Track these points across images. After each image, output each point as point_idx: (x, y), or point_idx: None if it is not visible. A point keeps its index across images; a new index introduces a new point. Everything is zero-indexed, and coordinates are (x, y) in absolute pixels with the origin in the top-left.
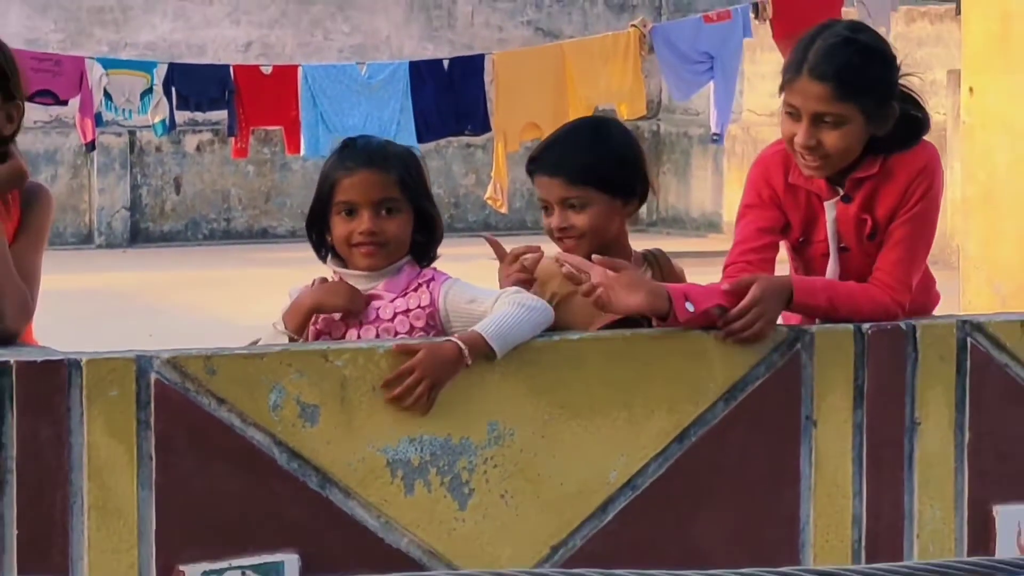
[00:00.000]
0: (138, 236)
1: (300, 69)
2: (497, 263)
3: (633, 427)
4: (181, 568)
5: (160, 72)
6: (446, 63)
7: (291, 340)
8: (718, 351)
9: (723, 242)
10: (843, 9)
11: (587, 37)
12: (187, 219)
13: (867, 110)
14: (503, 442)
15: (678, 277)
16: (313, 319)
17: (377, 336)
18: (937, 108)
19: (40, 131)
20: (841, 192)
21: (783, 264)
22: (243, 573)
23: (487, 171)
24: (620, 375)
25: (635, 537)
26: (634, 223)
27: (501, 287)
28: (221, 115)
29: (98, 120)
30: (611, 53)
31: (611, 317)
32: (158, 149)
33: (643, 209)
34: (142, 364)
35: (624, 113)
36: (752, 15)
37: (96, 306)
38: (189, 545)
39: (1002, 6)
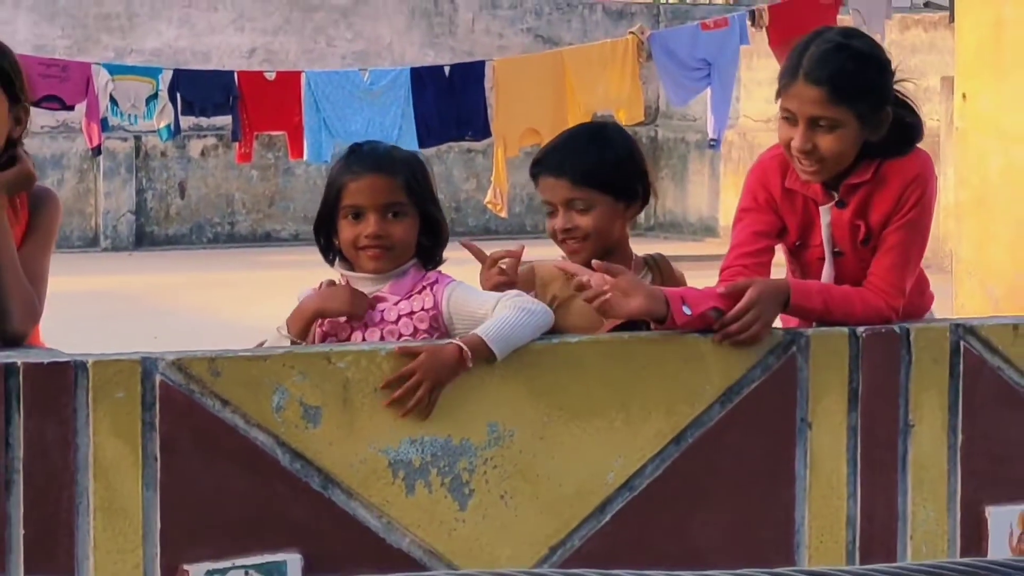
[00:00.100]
0: (143, 239)
1: (303, 75)
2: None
3: (630, 429)
4: (185, 568)
5: (165, 78)
6: (447, 69)
7: (292, 344)
8: (714, 354)
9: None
10: (838, 17)
11: (586, 44)
12: (192, 223)
13: (861, 114)
14: (503, 443)
15: (678, 281)
16: (319, 322)
17: (382, 338)
18: (931, 114)
19: (47, 136)
20: (836, 197)
21: (779, 267)
22: (246, 573)
23: (487, 176)
24: (618, 378)
25: (632, 537)
26: (632, 227)
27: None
28: (225, 120)
29: (104, 125)
30: (610, 60)
31: (613, 321)
32: (163, 154)
33: (641, 214)
34: (147, 366)
35: (622, 119)
36: (749, 23)
37: (102, 308)
38: (193, 545)
39: (995, 14)
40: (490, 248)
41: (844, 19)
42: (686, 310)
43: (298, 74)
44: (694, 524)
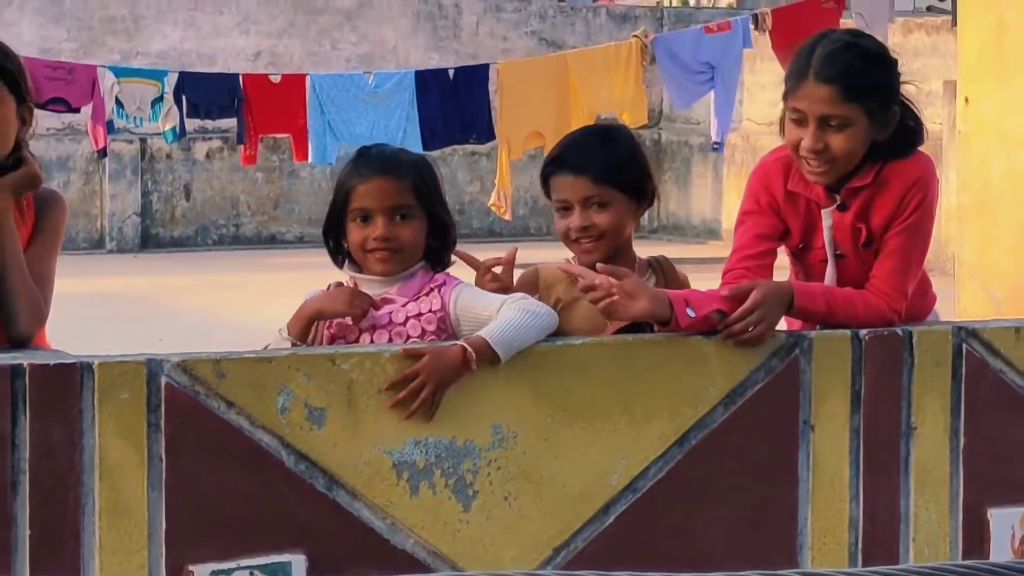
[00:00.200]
0: (149, 241)
1: (308, 78)
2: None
3: (634, 431)
4: (190, 568)
5: (171, 81)
6: (451, 72)
7: (293, 346)
8: (718, 357)
9: (723, 249)
10: (841, 20)
11: (590, 47)
12: (197, 225)
13: (870, 112)
14: (507, 445)
15: (682, 283)
16: (327, 324)
17: (390, 340)
18: (933, 118)
19: (53, 138)
20: (838, 200)
21: (781, 270)
22: (251, 573)
23: (491, 178)
24: (621, 380)
25: (636, 539)
26: (636, 230)
27: None
28: (231, 123)
29: (110, 127)
30: (613, 63)
31: (617, 324)
32: (168, 156)
33: (644, 216)
34: (153, 367)
35: (626, 122)
36: (752, 26)
37: (107, 310)
38: (198, 545)
39: (997, 18)
40: (493, 251)
41: (847, 23)
42: (690, 312)
43: (303, 77)
44: (697, 526)
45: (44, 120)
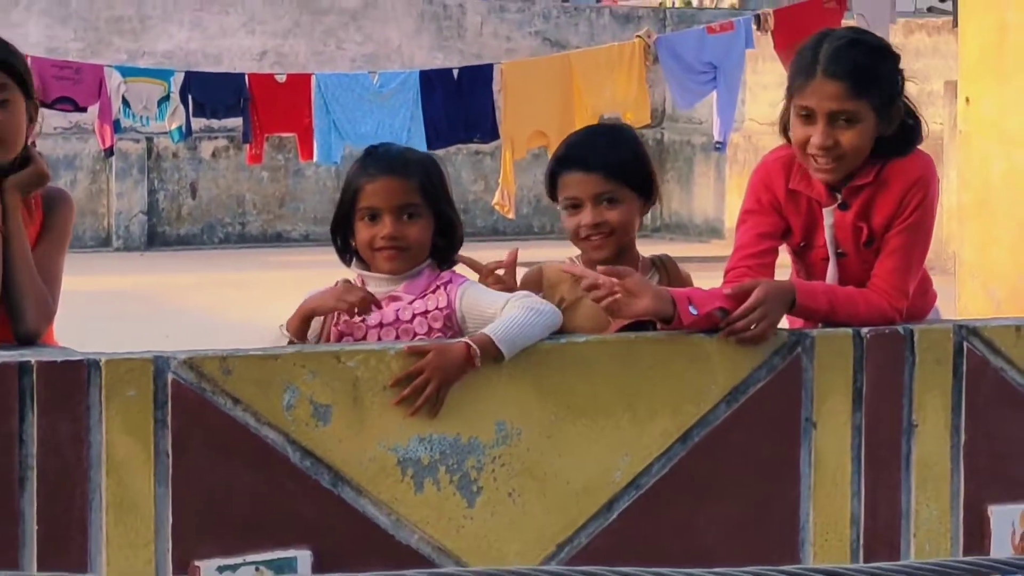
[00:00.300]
0: (155, 240)
1: (313, 78)
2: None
3: (637, 428)
4: (196, 563)
5: (177, 80)
6: (455, 72)
7: (290, 343)
8: (720, 354)
9: (725, 248)
10: (843, 21)
11: (593, 47)
12: (203, 223)
13: (877, 107)
14: (511, 442)
15: (685, 282)
16: (335, 321)
17: (397, 337)
18: (934, 118)
19: (60, 137)
20: (839, 199)
21: (782, 269)
22: (257, 568)
23: (495, 178)
24: (625, 377)
25: (639, 535)
26: (638, 229)
27: None
28: (236, 122)
29: (116, 127)
30: (616, 63)
31: (620, 322)
32: (175, 155)
33: (648, 215)
34: (159, 364)
35: (629, 121)
36: (754, 27)
37: (114, 308)
38: (204, 541)
39: (998, 18)
40: (497, 249)
41: (848, 23)
42: (692, 310)
43: (308, 76)
44: (700, 522)
45: (51, 119)
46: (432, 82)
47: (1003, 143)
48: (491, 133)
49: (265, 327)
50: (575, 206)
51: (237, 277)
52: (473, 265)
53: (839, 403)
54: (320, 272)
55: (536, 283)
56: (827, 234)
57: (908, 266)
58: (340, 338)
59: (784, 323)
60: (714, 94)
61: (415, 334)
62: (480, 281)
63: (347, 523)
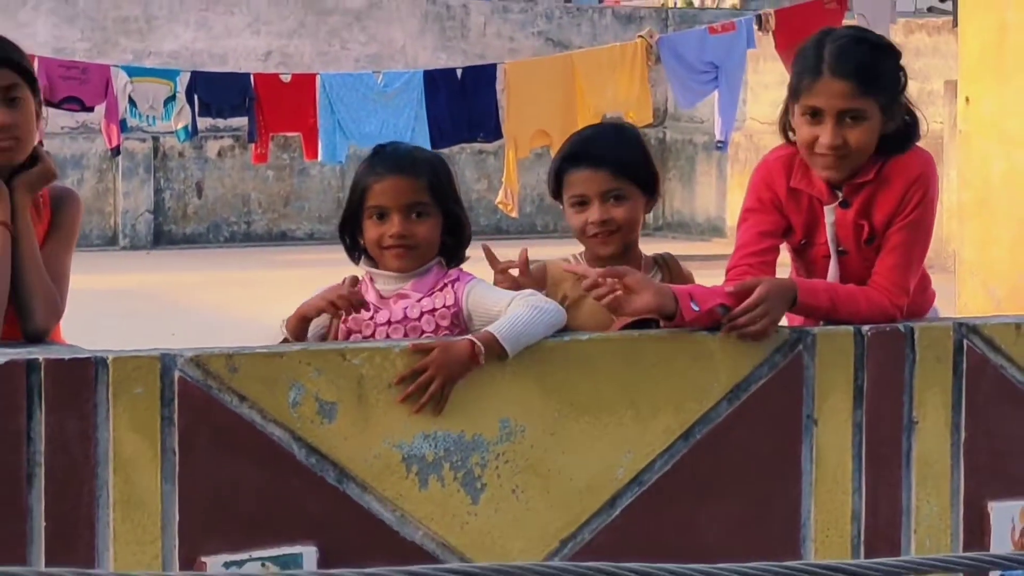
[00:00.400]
0: (161, 238)
1: (318, 78)
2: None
3: (640, 425)
4: (203, 559)
5: (183, 80)
6: (459, 72)
7: (284, 341)
8: (722, 352)
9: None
10: (843, 21)
11: (596, 47)
12: (208, 222)
13: (883, 104)
14: (514, 439)
15: (686, 280)
16: (343, 319)
17: (406, 335)
18: (934, 117)
19: (67, 136)
20: (840, 197)
21: (782, 267)
22: (263, 564)
23: (498, 176)
24: (627, 375)
25: (641, 531)
26: (641, 227)
27: None
28: (242, 122)
29: (123, 126)
30: (619, 63)
31: (624, 320)
32: (181, 154)
33: (650, 214)
34: (166, 362)
35: (632, 121)
36: (756, 27)
37: (121, 306)
38: (211, 537)
39: (998, 19)
40: (500, 247)
41: (849, 23)
42: (694, 306)
43: (313, 76)
44: (702, 518)
45: (59, 119)
46: (436, 82)
47: (1003, 143)
48: (494, 132)
49: (270, 325)
50: (582, 203)
51: (242, 275)
52: (490, 257)
53: (840, 400)
54: (325, 270)
55: (540, 280)
56: (828, 232)
57: (909, 263)
58: (348, 335)
59: (784, 321)
60: (716, 93)
61: (423, 332)
62: (495, 276)
63: (352, 519)
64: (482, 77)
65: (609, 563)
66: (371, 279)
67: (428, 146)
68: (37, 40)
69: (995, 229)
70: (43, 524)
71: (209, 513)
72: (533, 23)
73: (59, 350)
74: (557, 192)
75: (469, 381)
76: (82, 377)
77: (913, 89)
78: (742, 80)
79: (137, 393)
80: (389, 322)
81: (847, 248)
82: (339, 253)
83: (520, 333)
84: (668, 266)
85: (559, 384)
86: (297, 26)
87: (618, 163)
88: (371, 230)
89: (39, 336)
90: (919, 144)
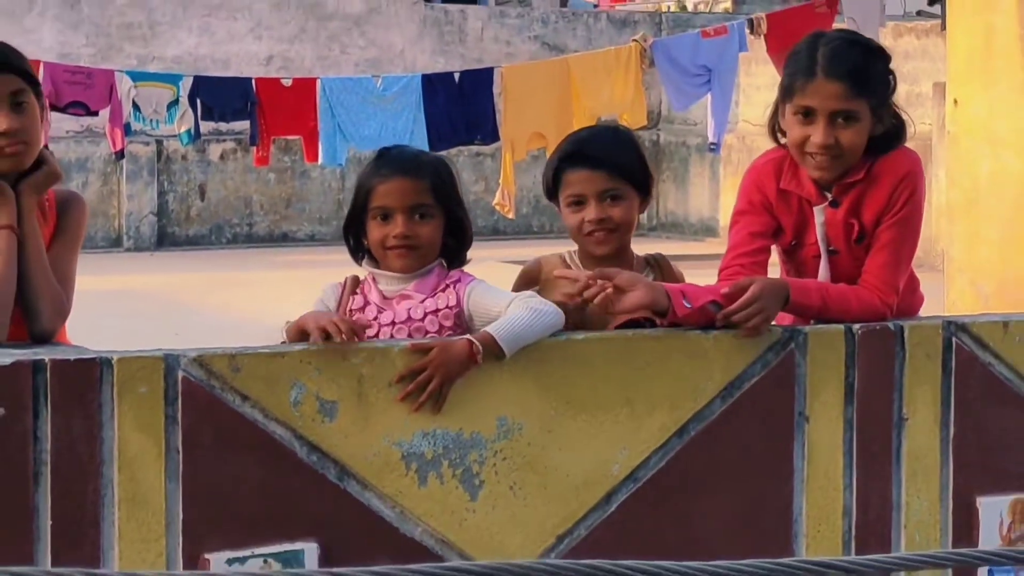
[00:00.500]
0: (165, 240)
1: (318, 82)
2: (501, 266)
3: (635, 422)
4: (206, 556)
5: (186, 84)
6: (457, 76)
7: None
8: (716, 351)
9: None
10: (834, 25)
11: (591, 51)
12: (211, 224)
13: (873, 106)
14: (512, 436)
15: (678, 280)
16: (349, 317)
17: (409, 335)
18: (923, 119)
19: (72, 140)
20: (830, 197)
21: (773, 267)
22: (265, 561)
23: (496, 178)
24: (623, 373)
25: (636, 527)
26: (635, 228)
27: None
28: (244, 125)
29: (127, 130)
30: (614, 66)
31: (619, 319)
32: (184, 157)
33: (644, 215)
34: (170, 362)
35: (626, 123)
36: (748, 31)
37: (125, 307)
38: (214, 534)
39: (985, 22)
40: (497, 248)
41: (840, 27)
42: (686, 303)
43: (313, 80)
44: (696, 514)
45: (63, 123)
46: (434, 85)
47: (991, 144)
48: (491, 135)
49: (272, 325)
50: (579, 202)
51: (245, 276)
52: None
53: (831, 398)
54: (325, 271)
55: (535, 275)
56: (818, 232)
57: (898, 261)
58: None
59: (774, 321)
60: (708, 96)
61: (427, 332)
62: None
63: (353, 516)
64: (479, 81)
65: (607, 560)
66: (374, 279)
67: (426, 148)
68: (43, 46)
69: (983, 228)
70: (49, 523)
71: (212, 511)
72: (529, 27)
73: (65, 351)
74: (552, 192)
75: (467, 380)
76: (87, 377)
77: (902, 91)
78: (734, 83)
79: (141, 393)
80: (393, 323)
81: (837, 248)
82: (340, 254)
83: (518, 334)
84: (660, 266)
85: (556, 382)
86: (298, 31)
87: (615, 164)
88: (375, 231)
89: (45, 337)
90: (907, 145)
